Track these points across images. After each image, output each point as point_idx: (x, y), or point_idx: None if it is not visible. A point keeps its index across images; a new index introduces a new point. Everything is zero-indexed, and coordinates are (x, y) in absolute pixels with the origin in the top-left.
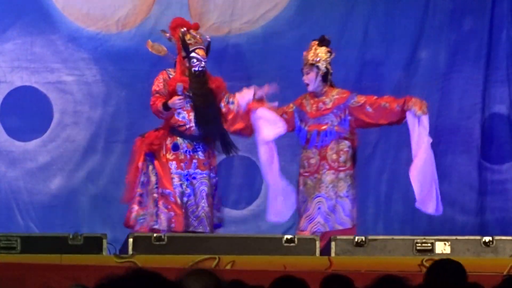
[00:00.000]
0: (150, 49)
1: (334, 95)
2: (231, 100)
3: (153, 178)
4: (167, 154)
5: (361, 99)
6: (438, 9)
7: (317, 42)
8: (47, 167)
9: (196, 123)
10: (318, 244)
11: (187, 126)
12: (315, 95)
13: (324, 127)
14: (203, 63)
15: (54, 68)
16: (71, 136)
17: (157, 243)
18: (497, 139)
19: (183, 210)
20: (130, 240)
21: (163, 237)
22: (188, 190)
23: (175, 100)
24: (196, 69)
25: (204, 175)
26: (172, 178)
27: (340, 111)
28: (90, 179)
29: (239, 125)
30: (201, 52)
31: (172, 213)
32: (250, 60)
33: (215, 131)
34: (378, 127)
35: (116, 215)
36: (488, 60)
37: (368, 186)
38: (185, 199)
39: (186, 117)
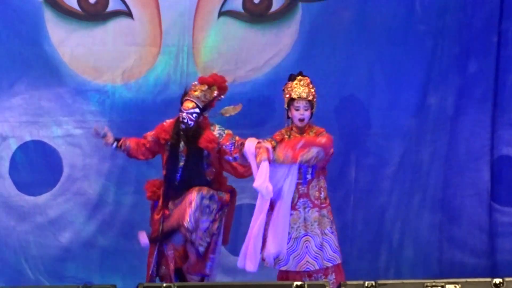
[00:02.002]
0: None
1: (313, 132)
2: (235, 155)
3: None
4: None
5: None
6: (445, 53)
7: (307, 78)
8: (57, 221)
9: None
10: None
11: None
12: (300, 131)
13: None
14: (184, 114)
15: (62, 121)
16: (81, 189)
17: None
18: (507, 181)
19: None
20: None
21: (173, 286)
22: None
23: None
24: (180, 120)
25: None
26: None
27: None
28: (100, 232)
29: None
30: (185, 104)
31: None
32: (254, 108)
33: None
34: None
35: (127, 267)
36: (495, 102)
37: (381, 234)
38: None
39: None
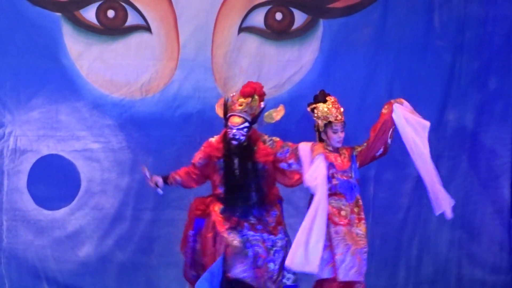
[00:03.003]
0: (216, 111)
1: (343, 150)
2: (291, 161)
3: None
4: (215, 216)
5: (359, 146)
6: (464, 70)
7: (335, 98)
8: (75, 235)
9: (224, 193)
10: None
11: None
12: (334, 150)
13: (351, 180)
14: (234, 130)
15: (80, 135)
16: (99, 204)
17: None
18: None
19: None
20: None
21: None
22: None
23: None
24: (229, 136)
25: (257, 238)
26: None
27: (353, 163)
28: (118, 247)
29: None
30: (232, 119)
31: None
32: (278, 124)
33: (248, 208)
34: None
35: (144, 282)
36: None
37: (400, 250)
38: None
39: (224, 190)
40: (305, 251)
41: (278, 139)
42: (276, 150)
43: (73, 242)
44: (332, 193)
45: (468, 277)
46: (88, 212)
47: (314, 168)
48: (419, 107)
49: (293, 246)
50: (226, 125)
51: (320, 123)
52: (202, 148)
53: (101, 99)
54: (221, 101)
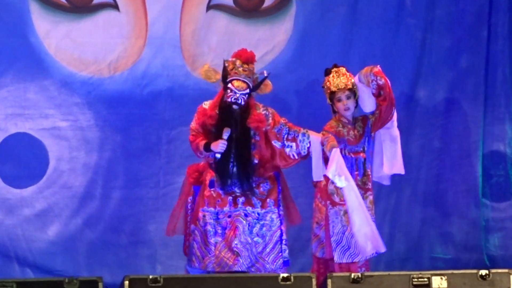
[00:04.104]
0: (201, 73)
1: (359, 121)
2: (289, 143)
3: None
4: (205, 190)
5: (375, 113)
6: (435, 47)
7: (342, 68)
8: (44, 214)
9: (219, 165)
10: (314, 282)
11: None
12: (348, 122)
13: (362, 154)
14: (237, 95)
15: (48, 114)
16: (67, 182)
17: (153, 285)
18: (496, 177)
19: (211, 250)
20: (126, 282)
21: (159, 278)
22: (220, 229)
23: (219, 144)
24: (229, 100)
25: (238, 213)
26: (200, 216)
27: (367, 133)
28: (88, 226)
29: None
30: (236, 83)
31: (196, 252)
32: None
33: (235, 176)
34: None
35: (114, 260)
36: (487, 97)
37: None
38: (215, 238)
39: (214, 155)
40: (372, 235)
41: (274, 111)
42: (272, 123)
43: (42, 221)
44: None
45: (441, 255)
46: (56, 191)
47: (335, 164)
48: (391, 84)
49: (360, 239)
50: (225, 89)
51: (327, 96)
52: (196, 115)
53: (69, 77)
54: (206, 66)
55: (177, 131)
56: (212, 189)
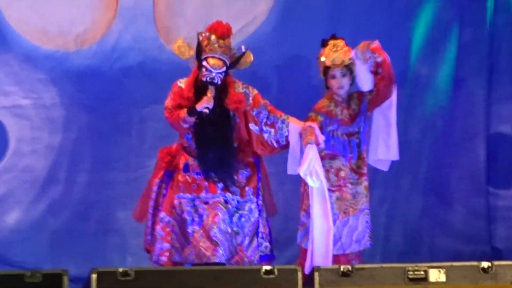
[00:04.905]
0: (175, 49)
1: (354, 98)
2: (267, 128)
3: (161, 200)
4: (179, 175)
5: (372, 91)
6: (437, 21)
7: (341, 41)
8: (3, 200)
9: (196, 147)
10: (300, 275)
11: (192, 149)
12: (342, 100)
13: (357, 135)
14: (213, 74)
15: (9, 91)
16: (29, 165)
17: (123, 278)
18: (502, 162)
19: (188, 240)
20: (94, 276)
21: (129, 271)
22: (197, 217)
23: (203, 101)
24: (204, 79)
25: (218, 199)
26: (176, 204)
27: (363, 112)
28: (51, 212)
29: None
30: (212, 61)
31: (166, 244)
32: None
33: (213, 160)
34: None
35: (80, 251)
36: (491, 73)
37: None
38: (193, 227)
39: (190, 138)
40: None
41: (256, 91)
42: (252, 103)
43: (1, 207)
44: (328, 154)
45: (442, 247)
46: (17, 175)
47: (308, 162)
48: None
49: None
50: (200, 67)
51: (320, 70)
52: (171, 95)
53: (32, 52)
54: (180, 41)
55: (149, 109)
56: (187, 173)
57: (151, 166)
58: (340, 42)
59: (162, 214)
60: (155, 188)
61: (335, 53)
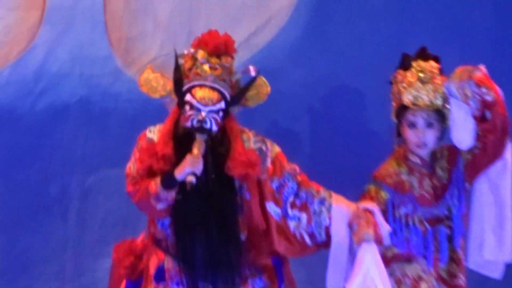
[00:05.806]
0: (141, 83)
1: (442, 160)
2: (294, 211)
3: None
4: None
5: (473, 149)
6: None
7: (432, 63)
8: None
9: (176, 241)
10: None
11: (170, 243)
12: (423, 163)
13: (446, 221)
14: (203, 114)
15: None
16: None
17: None
18: None
19: None
20: None
21: None
22: None
23: (187, 164)
24: (189, 124)
25: None
26: None
27: (456, 183)
28: None
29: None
30: (200, 93)
31: None
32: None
33: (204, 261)
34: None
35: None
36: None
37: None
38: None
39: (166, 225)
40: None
41: (277, 147)
42: (271, 168)
43: None
44: (400, 255)
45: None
46: None
47: (361, 278)
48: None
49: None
50: (182, 105)
51: (393, 107)
52: (136, 153)
53: None
54: (149, 71)
55: (99, 177)
56: (161, 284)
57: (102, 273)
58: (432, 65)
59: None
60: None
61: (421, 84)
